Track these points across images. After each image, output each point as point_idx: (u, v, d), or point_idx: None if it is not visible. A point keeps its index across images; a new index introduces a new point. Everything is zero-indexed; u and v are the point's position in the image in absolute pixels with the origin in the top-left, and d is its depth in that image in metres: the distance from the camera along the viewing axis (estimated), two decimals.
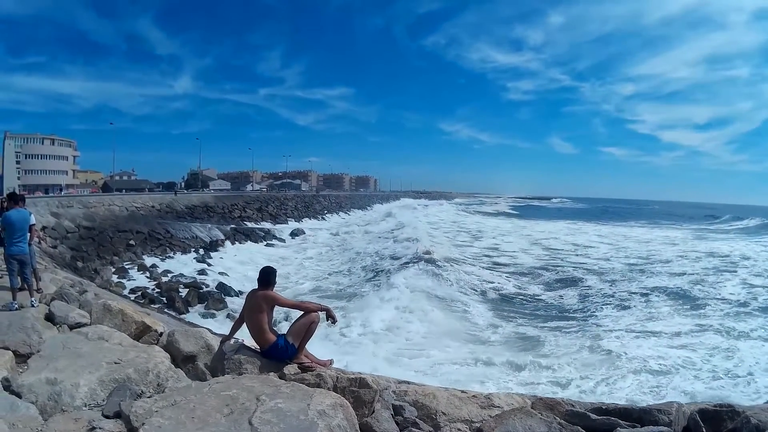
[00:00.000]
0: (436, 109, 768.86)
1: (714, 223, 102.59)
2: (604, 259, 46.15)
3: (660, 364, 17.55)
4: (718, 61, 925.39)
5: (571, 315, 24.91)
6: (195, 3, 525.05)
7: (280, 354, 6.98)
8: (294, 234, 64.23)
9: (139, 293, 28.01)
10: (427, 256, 40.72)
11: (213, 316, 25.03)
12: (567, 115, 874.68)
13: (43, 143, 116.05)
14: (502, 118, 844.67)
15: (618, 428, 5.66)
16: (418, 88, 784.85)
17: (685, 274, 36.22)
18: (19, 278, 9.91)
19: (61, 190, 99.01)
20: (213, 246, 46.70)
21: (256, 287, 7.29)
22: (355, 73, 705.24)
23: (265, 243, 53.92)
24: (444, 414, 6.40)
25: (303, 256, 47.04)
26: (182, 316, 23.50)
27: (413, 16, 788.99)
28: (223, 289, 30.71)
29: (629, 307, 26.28)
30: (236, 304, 25.96)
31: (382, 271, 36.05)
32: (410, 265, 36.98)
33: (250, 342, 7.35)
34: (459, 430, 6.22)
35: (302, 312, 7.24)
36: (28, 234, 10.45)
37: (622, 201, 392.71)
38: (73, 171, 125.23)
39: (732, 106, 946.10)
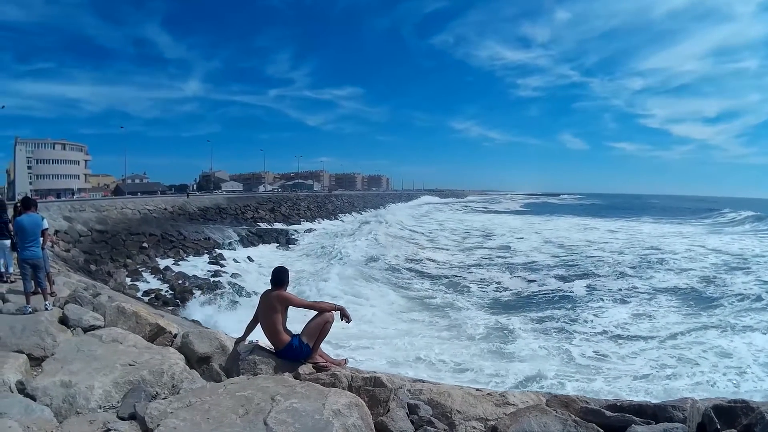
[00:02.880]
0: (445, 107, 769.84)
1: (710, 216, 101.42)
2: (618, 252, 46.06)
3: (668, 363, 17.51)
4: (726, 54, 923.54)
5: (577, 313, 24.64)
6: (201, 7, 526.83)
7: (295, 354, 6.97)
8: (306, 233, 64.22)
9: (153, 295, 28.10)
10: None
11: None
12: (577, 111, 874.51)
13: (54, 148, 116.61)
14: (512, 116, 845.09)
15: (633, 425, 5.59)
16: (427, 87, 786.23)
17: (690, 270, 36.03)
18: (32, 282, 9.94)
19: (73, 194, 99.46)
20: (226, 247, 46.73)
21: (270, 288, 7.27)
22: (363, 73, 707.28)
23: (277, 244, 53.85)
24: (459, 412, 6.36)
25: (312, 257, 46.98)
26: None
27: (420, 16, 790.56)
28: (237, 290, 30.77)
29: (636, 304, 26.18)
30: (250, 304, 26.02)
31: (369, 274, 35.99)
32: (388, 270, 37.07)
33: (264, 342, 7.33)
34: (474, 428, 6.19)
35: (316, 312, 7.21)
36: (41, 238, 10.46)
37: (632, 196, 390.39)
38: (85, 175, 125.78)
39: (741, 99, 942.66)
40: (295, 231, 65.19)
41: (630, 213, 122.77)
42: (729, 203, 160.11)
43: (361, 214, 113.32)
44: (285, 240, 56.56)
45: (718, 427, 5.61)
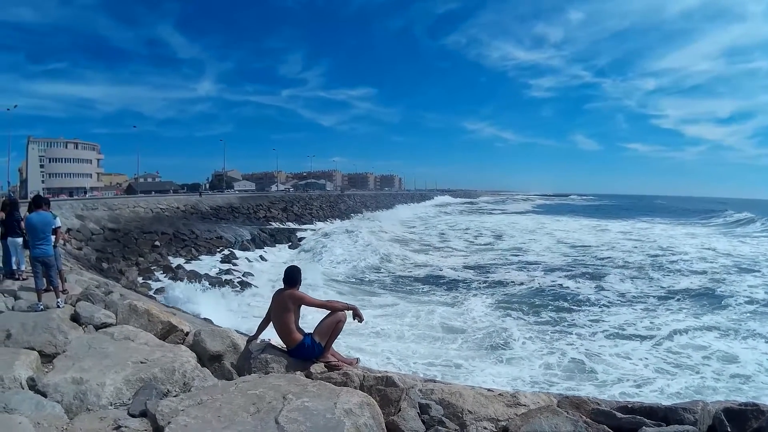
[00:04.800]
0: (458, 107, 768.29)
1: (711, 217, 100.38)
2: (628, 252, 45.76)
3: (669, 365, 17.37)
4: (739, 54, 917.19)
5: (579, 314, 24.40)
6: (215, 8, 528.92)
7: (307, 353, 6.97)
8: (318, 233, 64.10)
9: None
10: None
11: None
12: (589, 112, 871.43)
13: (66, 147, 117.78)
14: (524, 116, 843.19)
15: (644, 427, 5.60)
16: (439, 87, 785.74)
17: (698, 273, 35.72)
18: (44, 280, 9.97)
19: (85, 192, 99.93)
20: (238, 246, 46.77)
21: (282, 287, 7.27)
22: (376, 74, 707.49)
23: (289, 243, 53.76)
24: (470, 412, 6.35)
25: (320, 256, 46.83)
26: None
27: (433, 16, 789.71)
28: (249, 288, 30.76)
29: (641, 306, 25.89)
30: (262, 303, 25.98)
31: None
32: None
33: (276, 341, 7.33)
34: (485, 428, 6.17)
35: (329, 311, 7.20)
36: (53, 236, 10.48)
37: (643, 197, 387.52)
38: (98, 174, 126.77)
39: (754, 99, 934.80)
40: (307, 230, 65.05)
41: (633, 214, 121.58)
42: (741, 205, 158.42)
43: (373, 213, 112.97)
44: (297, 239, 56.43)
45: (729, 430, 5.61)
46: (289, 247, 52.16)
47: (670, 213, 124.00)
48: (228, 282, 32.27)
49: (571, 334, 21.08)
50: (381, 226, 73.67)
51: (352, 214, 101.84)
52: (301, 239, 56.78)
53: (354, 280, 34.18)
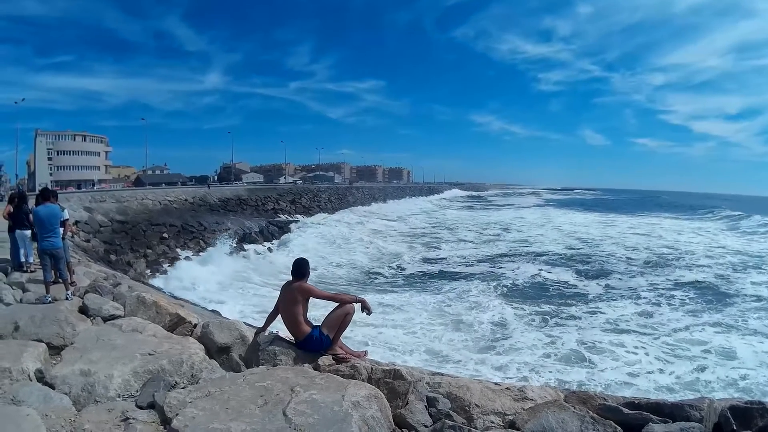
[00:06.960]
0: (467, 101, 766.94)
1: (707, 214, 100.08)
2: (632, 248, 45.87)
3: (668, 362, 17.27)
4: (748, 50, 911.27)
5: (577, 308, 24.34)
6: (222, 0, 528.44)
7: (315, 345, 6.98)
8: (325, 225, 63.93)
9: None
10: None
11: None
12: (598, 106, 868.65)
13: (74, 140, 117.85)
14: (533, 110, 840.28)
15: (650, 423, 5.57)
16: (448, 80, 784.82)
17: (704, 267, 35.76)
18: (52, 272, 9.99)
19: (93, 185, 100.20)
20: (247, 239, 46.74)
21: (291, 279, 7.28)
22: (385, 66, 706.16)
23: (297, 235, 53.52)
24: (477, 406, 6.31)
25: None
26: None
27: (441, 9, 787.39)
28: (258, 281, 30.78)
29: (643, 300, 25.82)
30: (271, 295, 25.99)
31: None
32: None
33: (284, 333, 7.33)
34: (492, 422, 6.13)
35: (337, 303, 7.20)
36: (61, 229, 10.50)
37: (650, 192, 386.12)
38: (106, 166, 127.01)
39: (762, 96, 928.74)
40: (313, 224, 64.78)
41: (638, 209, 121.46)
42: (746, 202, 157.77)
43: (380, 205, 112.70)
44: (304, 232, 56.15)
45: (735, 427, 5.56)
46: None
47: (674, 209, 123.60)
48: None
49: (572, 326, 21.15)
50: (384, 221, 73.71)
51: (360, 206, 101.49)
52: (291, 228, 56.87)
53: (357, 275, 34.24)
